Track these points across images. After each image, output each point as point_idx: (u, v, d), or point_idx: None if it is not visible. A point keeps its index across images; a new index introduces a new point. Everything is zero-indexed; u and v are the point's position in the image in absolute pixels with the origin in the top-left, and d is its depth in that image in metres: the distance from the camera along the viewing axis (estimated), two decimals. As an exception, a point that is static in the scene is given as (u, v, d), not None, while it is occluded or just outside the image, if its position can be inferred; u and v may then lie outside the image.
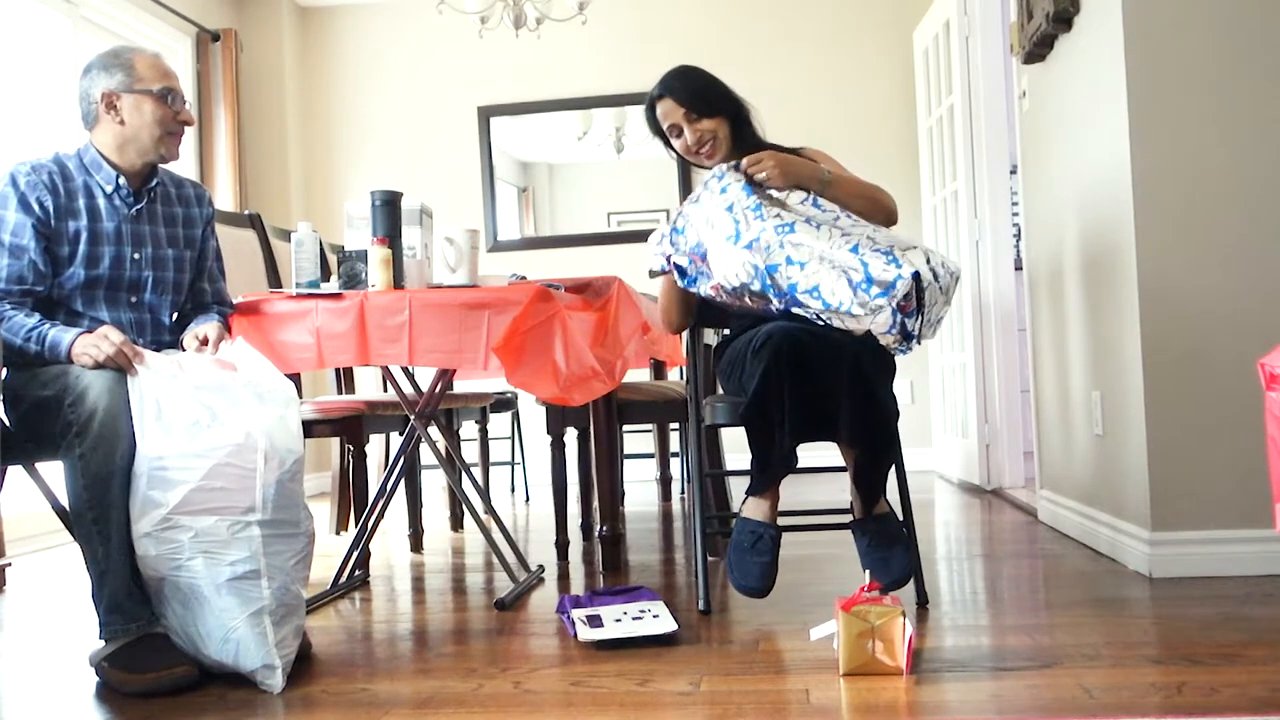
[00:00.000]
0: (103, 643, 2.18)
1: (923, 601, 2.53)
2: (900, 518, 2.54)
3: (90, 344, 2.24)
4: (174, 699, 2.06)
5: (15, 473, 2.47)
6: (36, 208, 2.36)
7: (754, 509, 2.47)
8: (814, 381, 2.34)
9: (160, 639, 2.16)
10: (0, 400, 2.42)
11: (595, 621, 2.37)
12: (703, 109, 2.70)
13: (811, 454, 2.43)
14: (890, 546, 2.44)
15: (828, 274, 2.34)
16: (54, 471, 2.49)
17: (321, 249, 3.32)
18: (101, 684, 2.19)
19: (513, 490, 5.60)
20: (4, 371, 2.37)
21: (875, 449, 2.40)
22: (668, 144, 2.79)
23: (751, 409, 2.38)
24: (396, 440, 4.00)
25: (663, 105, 2.72)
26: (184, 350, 2.45)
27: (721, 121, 2.70)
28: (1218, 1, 2.76)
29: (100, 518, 2.14)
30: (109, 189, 2.46)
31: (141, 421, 2.15)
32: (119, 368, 2.21)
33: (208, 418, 2.15)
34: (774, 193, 2.50)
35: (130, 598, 2.17)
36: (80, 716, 2.04)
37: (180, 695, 2.08)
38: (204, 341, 2.45)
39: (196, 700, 2.06)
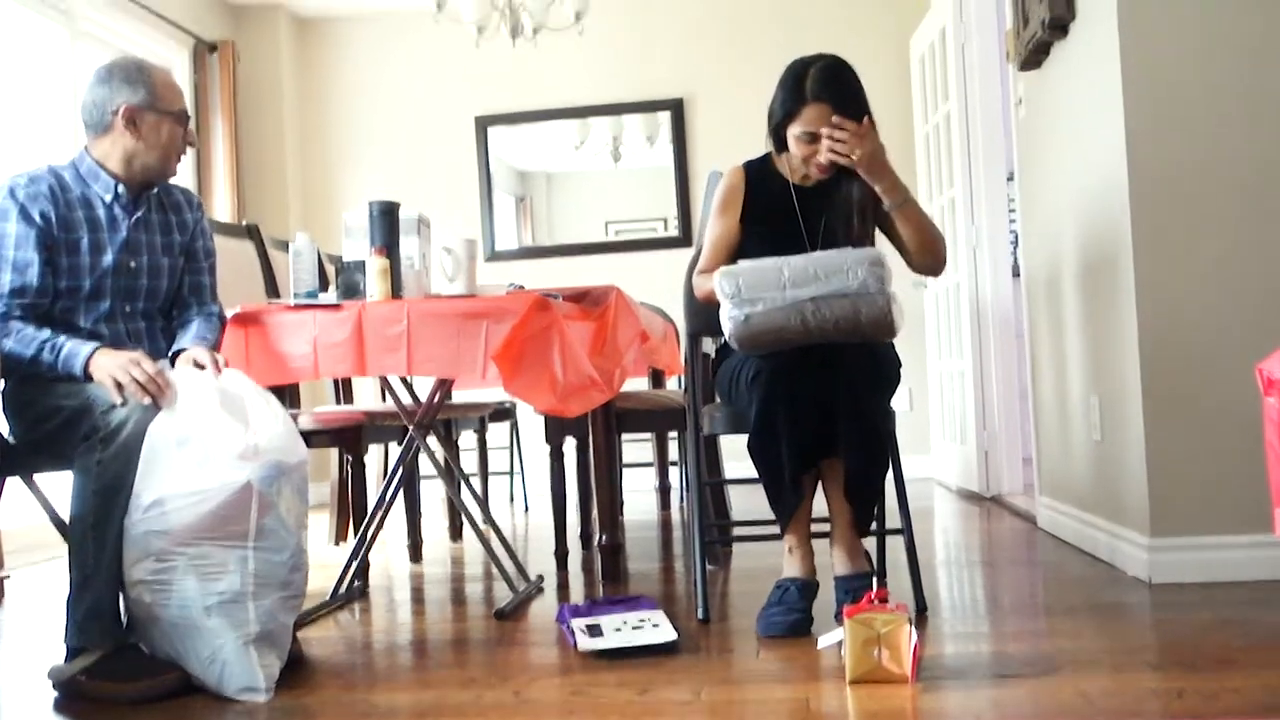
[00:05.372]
0: (68, 659, 2.17)
1: (922, 609, 2.52)
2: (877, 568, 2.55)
3: (117, 367, 2.20)
4: (170, 709, 2.06)
5: (14, 486, 2.46)
6: (38, 219, 2.34)
7: (786, 566, 2.48)
8: (812, 406, 2.37)
9: (137, 649, 2.17)
10: (1, 411, 2.42)
11: (595, 631, 2.37)
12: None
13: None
14: None
15: None
16: (52, 484, 2.49)
17: (319, 259, 3.32)
18: (62, 699, 2.17)
19: (511, 500, 5.60)
20: (1, 382, 2.37)
21: (863, 460, 2.39)
22: (779, 134, 2.58)
23: (754, 440, 2.42)
24: (395, 450, 3.99)
25: (817, 110, 2.48)
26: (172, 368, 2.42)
27: None
28: (1212, 8, 2.77)
29: (99, 524, 2.14)
30: (108, 199, 2.44)
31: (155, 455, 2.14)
32: (150, 396, 2.18)
33: (210, 456, 2.13)
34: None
35: (111, 609, 2.16)
36: (79, 729, 2.04)
37: (174, 704, 2.07)
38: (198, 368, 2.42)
39: (194, 710, 2.05)
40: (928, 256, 2.63)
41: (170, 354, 2.47)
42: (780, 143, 2.62)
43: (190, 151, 5.43)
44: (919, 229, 2.59)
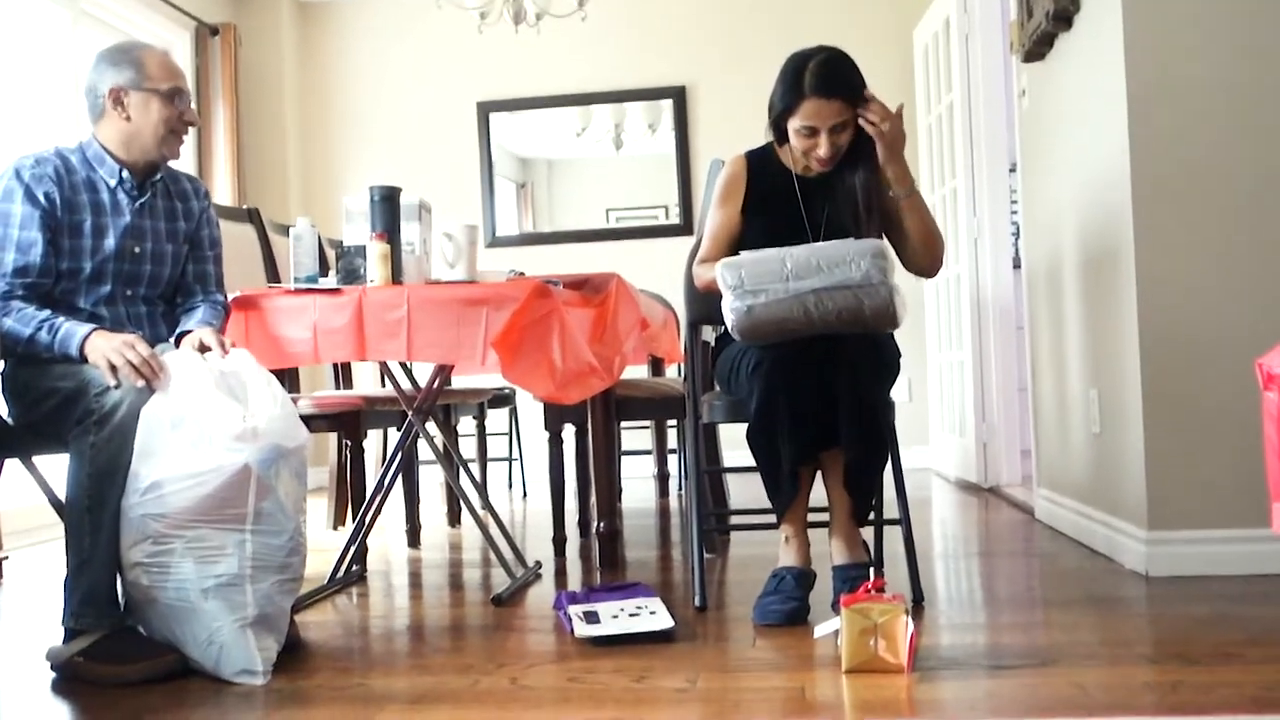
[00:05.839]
0: (65, 641, 2.18)
1: (919, 599, 2.53)
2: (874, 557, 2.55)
3: (111, 349, 2.20)
4: (169, 692, 2.06)
5: (12, 467, 2.46)
6: (43, 200, 2.34)
7: (781, 555, 2.49)
8: (813, 398, 2.37)
9: (134, 632, 2.18)
10: (1, 393, 2.42)
11: (592, 618, 2.37)
12: (852, 118, 2.50)
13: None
14: None
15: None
16: (51, 465, 2.49)
17: (320, 244, 3.32)
18: (60, 680, 2.17)
19: (510, 486, 5.60)
20: (1, 363, 2.37)
21: (864, 450, 2.40)
22: (779, 126, 2.57)
23: (754, 431, 2.42)
24: (394, 434, 4.00)
25: (820, 105, 2.47)
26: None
27: (851, 130, 2.53)
28: (1218, 0, 2.76)
29: (95, 507, 2.14)
30: (113, 183, 2.45)
31: (150, 436, 2.14)
32: (144, 379, 2.17)
33: (207, 438, 2.13)
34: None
35: (109, 592, 2.17)
36: (77, 710, 2.04)
37: (173, 686, 2.08)
38: (203, 350, 2.42)
39: (193, 693, 2.05)
40: (927, 254, 2.62)
41: (175, 336, 2.48)
42: (781, 134, 2.61)
43: (191, 133, 5.46)
44: (922, 222, 2.59)
